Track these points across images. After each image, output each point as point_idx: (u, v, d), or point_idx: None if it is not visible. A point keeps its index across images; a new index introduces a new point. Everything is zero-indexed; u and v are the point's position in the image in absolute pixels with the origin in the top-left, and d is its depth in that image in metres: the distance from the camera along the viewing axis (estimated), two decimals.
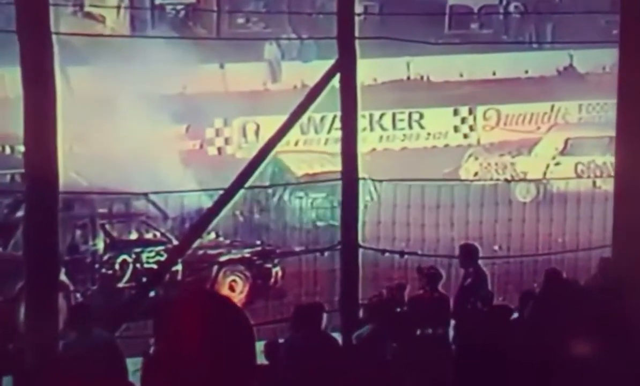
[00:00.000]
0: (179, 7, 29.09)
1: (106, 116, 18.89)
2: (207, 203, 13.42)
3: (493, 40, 28.17)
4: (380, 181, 13.49)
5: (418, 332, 10.73)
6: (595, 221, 14.82)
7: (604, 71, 28.50)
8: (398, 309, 10.95)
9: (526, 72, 28.01)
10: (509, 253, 14.28)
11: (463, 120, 25.87)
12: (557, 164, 20.78)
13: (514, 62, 27.56)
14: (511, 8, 30.14)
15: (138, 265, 14.57)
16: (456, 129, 25.53)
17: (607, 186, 18.35)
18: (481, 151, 22.33)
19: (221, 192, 12.03)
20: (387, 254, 12.78)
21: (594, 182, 19.41)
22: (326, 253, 12.70)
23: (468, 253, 11.69)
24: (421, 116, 25.37)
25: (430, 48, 24.21)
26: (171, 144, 23.57)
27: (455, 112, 25.75)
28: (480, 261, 11.73)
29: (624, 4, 9.28)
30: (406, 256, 12.79)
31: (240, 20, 29.28)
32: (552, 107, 26.00)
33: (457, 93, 25.88)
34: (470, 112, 25.85)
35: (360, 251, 11.33)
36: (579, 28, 27.70)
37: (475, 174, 20.98)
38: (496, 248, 15.28)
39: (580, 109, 26.28)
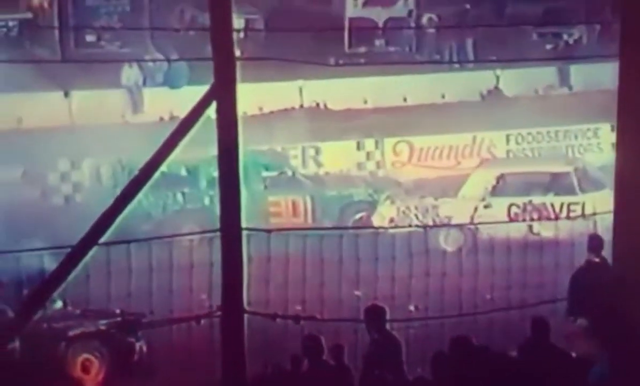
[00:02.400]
0: (10, 23, 28.89)
1: None
2: (51, 264, 13.33)
3: (403, 60, 28.71)
4: (268, 231, 13.66)
5: None
6: (529, 273, 15.27)
7: (537, 94, 29.43)
8: None
9: (443, 96, 28.60)
10: (427, 314, 14.58)
11: (368, 155, 26.30)
12: (487, 206, 21.30)
13: (429, 85, 28.11)
14: (424, 21, 30.70)
15: None
16: (360, 166, 25.91)
17: (546, 231, 18.97)
18: (400, 193, 22.75)
19: (68, 251, 11.97)
20: (278, 319, 12.90)
21: (530, 227, 19.97)
22: (203, 321, 12.76)
23: (374, 316, 11.93)
24: (317, 151, 25.70)
25: (328, 70, 24.62)
26: (3, 191, 23.37)
27: (359, 146, 26.17)
28: (389, 325, 11.97)
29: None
30: (302, 322, 12.95)
31: (90, 38, 29.21)
32: (474, 138, 26.62)
33: (360, 123, 26.27)
34: (377, 145, 26.29)
35: (246, 316, 11.41)
36: (506, 43, 28.50)
37: (391, 220, 21.37)
38: (412, 308, 15.57)
39: (509, 140, 26.99)
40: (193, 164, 21.83)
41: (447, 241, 20.36)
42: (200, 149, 11.80)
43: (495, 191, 21.54)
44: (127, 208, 12.19)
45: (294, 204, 22.55)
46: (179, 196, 22.41)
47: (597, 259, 13.79)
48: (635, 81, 9.64)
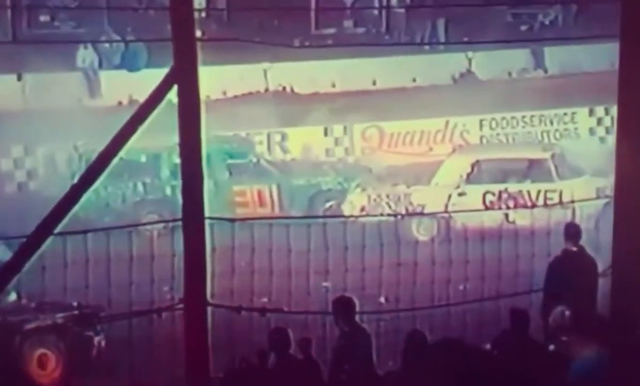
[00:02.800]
0: None
1: None
2: (4, 255, 13.29)
3: (372, 42, 28.73)
4: (232, 220, 13.65)
5: None
6: (504, 262, 15.33)
7: (511, 77, 29.52)
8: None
9: (414, 80, 28.66)
10: (398, 306, 14.62)
11: (336, 141, 26.32)
12: (461, 194, 21.36)
13: (399, 68, 28.14)
14: (394, 1, 30.75)
15: None
16: (328, 152, 25.93)
17: (522, 220, 19.05)
18: (371, 180, 22.78)
19: (23, 241, 11.92)
20: (244, 312, 12.91)
21: (506, 216, 20.06)
22: (165, 314, 12.73)
23: (343, 308, 11.95)
24: (284, 137, 25.69)
25: (294, 52, 24.60)
26: None
27: (327, 132, 26.17)
28: (359, 317, 12.00)
29: None
30: (268, 314, 12.96)
31: (44, 18, 29.08)
32: (447, 123, 26.70)
33: (328, 107, 26.27)
34: (345, 131, 26.32)
35: (210, 309, 11.40)
36: (479, 24, 28.57)
37: (362, 209, 21.41)
38: (382, 299, 15.61)
39: (482, 125, 27.07)
40: (153, 152, 21.76)
41: (420, 230, 20.44)
42: (161, 135, 11.79)
43: (470, 179, 21.60)
44: (83, 196, 12.15)
45: (259, 193, 22.51)
46: (140, 186, 22.34)
47: (574, 248, 13.88)
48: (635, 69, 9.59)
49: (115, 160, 11.97)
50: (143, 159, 21.98)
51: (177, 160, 16.62)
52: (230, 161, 22.46)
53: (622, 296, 9.44)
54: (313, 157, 25.06)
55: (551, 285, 13.50)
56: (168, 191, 21.99)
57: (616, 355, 9.30)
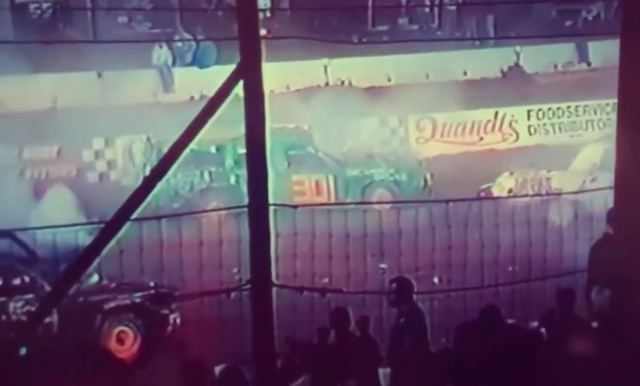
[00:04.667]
0: (45, 5, 28.94)
1: None
2: (86, 240, 13.39)
3: (425, 38, 28.61)
4: (294, 206, 13.65)
5: (346, 382, 10.93)
6: (549, 246, 15.19)
7: (556, 70, 29.29)
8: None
9: (465, 74, 28.52)
10: (450, 286, 14.56)
11: (392, 132, 26.26)
12: (593, 180, 20.99)
13: (451, 62, 28.01)
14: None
15: (4, 317, 14.48)
16: (384, 142, 25.87)
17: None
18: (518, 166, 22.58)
19: (103, 226, 12.01)
20: (306, 292, 12.92)
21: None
22: (233, 294, 12.77)
23: (400, 288, 11.90)
24: (341, 129, 25.63)
25: (352, 48, 24.55)
26: (40, 170, 23.49)
27: (382, 123, 26.12)
28: (416, 297, 11.95)
29: None
30: (329, 295, 12.96)
31: (122, 20, 29.24)
32: (496, 114, 26.55)
33: (384, 100, 26.20)
34: (401, 122, 26.25)
35: (274, 289, 11.43)
36: (526, 21, 28.37)
37: (510, 190, 21.34)
38: (436, 280, 15.57)
39: (529, 115, 26.90)
40: (219, 143, 21.83)
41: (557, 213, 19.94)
42: (225, 128, 11.81)
43: (602, 165, 21.12)
44: (157, 184, 12.22)
45: (317, 183, 22.52)
46: (206, 175, 22.45)
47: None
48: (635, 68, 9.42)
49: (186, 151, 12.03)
50: (211, 149, 22.09)
51: (241, 150, 16.89)
52: (290, 152, 22.49)
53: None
54: (368, 149, 24.97)
55: (594, 267, 13.36)
56: (232, 179, 22.05)
57: (618, 352, 9.08)
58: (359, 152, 24.43)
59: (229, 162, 22.33)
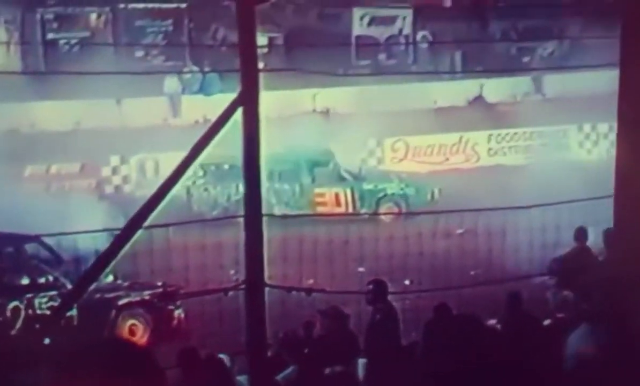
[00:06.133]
0: (73, 41, 28.90)
1: None
2: (103, 244, 13.33)
3: (401, 71, 28.64)
4: (285, 217, 13.61)
5: (327, 371, 10.86)
6: (506, 253, 15.17)
7: (515, 100, 29.30)
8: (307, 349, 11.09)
9: (435, 102, 28.52)
10: (420, 288, 14.51)
11: (370, 152, 26.23)
12: None
13: (423, 92, 28.04)
14: (419, 37, 30.68)
15: (30, 311, 14.40)
16: (364, 162, 25.81)
17: None
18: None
19: (118, 232, 11.94)
20: (294, 292, 12.86)
21: None
22: (230, 293, 12.71)
23: (376, 289, 11.88)
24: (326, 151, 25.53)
25: (338, 80, 24.53)
26: (65, 183, 23.40)
27: (362, 144, 26.08)
28: (390, 297, 11.92)
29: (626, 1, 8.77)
30: (314, 294, 12.90)
31: (139, 54, 29.21)
32: (461, 138, 26.54)
33: (365, 125, 26.16)
34: (378, 144, 26.23)
35: (266, 289, 11.37)
36: (490, 57, 28.41)
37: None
38: (407, 282, 15.53)
39: (490, 139, 26.89)
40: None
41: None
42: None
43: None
44: (167, 197, 12.14)
45: (337, 195, 22.45)
46: (240, 187, 22.39)
47: (581, 246, 13.66)
48: (634, 86, 8.73)
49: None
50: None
51: (269, 166, 17.32)
52: (315, 169, 22.38)
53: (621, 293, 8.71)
54: (382, 168, 24.64)
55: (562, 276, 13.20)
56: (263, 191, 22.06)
57: (615, 350, 8.64)
58: (374, 169, 24.30)
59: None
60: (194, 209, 21.19)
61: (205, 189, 21.89)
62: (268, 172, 21.86)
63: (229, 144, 10.59)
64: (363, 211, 21.80)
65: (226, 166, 20.69)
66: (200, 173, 20.69)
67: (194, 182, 21.11)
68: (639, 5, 8.72)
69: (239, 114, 11.51)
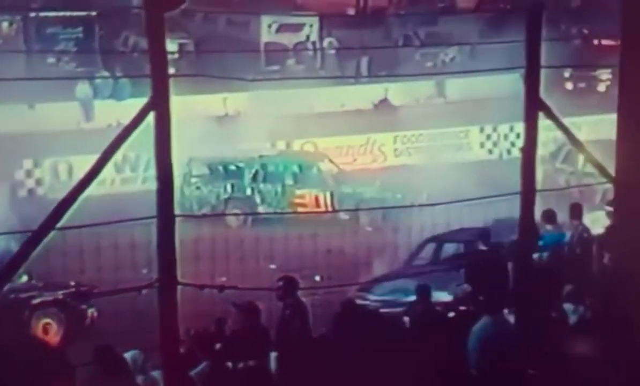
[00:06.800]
0: None
1: None
2: (17, 246, 13.10)
3: (309, 76, 28.77)
4: (196, 216, 13.54)
5: (240, 365, 10.83)
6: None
7: (418, 103, 29.66)
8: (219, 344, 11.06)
9: (342, 105, 28.70)
10: (330, 283, 14.59)
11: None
12: None
13: (331, 96, 28.22)
14: (325, 44, 30.91)
15: None
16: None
17: None
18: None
19: (30, 234, 11.73)
20: (206, 289, 12.79)
21: None
22: (144, 291, 12.59)
23: (286, 285, 11.90)
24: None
25: (247, 85, 24.51)
26: None
27: (272, 146, 26.09)
28: (299, 292, 11.95)
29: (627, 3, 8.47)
30: (226, 291, 12.85)
31: (51, 60, 28.86)
32: (368, 139, 26.76)
33: (273, 128, 26.18)
34: (288, 145, 26.26)
35: (179, 287, 11.30)
36: (394, 62, 28.71)
37: None
38: (317, 278, 15.58)
39: (395, 140, 27.17)
40: (240, 163, 22.29)
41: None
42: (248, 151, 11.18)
43: None
44: (79, 199, 11.97)
45: (316, 197, 22.25)
46: (229, 187, 22.43)
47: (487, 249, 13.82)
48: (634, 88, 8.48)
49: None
50: (232, 167, 22.36)
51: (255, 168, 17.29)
52: (296, 171, 22.40)
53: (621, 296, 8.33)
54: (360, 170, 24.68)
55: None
56: (248, 191, 22.13)
57: (614, 353, 8.22)
58: (353, 173, 24.06)
59: (247, 177, 22.36)
60: (186, 206, 20.69)
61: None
62: (253, 173, 22.09)
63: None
64: (271, 210, 21.80)
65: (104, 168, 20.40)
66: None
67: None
68: (639, 5, 8.36)
69: (150, 118, 11.44)
